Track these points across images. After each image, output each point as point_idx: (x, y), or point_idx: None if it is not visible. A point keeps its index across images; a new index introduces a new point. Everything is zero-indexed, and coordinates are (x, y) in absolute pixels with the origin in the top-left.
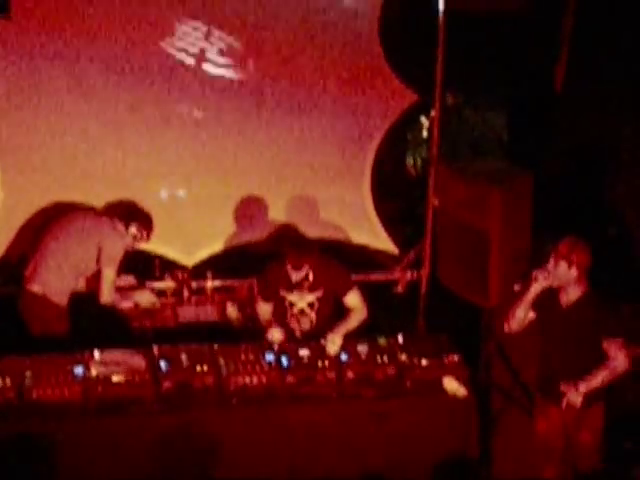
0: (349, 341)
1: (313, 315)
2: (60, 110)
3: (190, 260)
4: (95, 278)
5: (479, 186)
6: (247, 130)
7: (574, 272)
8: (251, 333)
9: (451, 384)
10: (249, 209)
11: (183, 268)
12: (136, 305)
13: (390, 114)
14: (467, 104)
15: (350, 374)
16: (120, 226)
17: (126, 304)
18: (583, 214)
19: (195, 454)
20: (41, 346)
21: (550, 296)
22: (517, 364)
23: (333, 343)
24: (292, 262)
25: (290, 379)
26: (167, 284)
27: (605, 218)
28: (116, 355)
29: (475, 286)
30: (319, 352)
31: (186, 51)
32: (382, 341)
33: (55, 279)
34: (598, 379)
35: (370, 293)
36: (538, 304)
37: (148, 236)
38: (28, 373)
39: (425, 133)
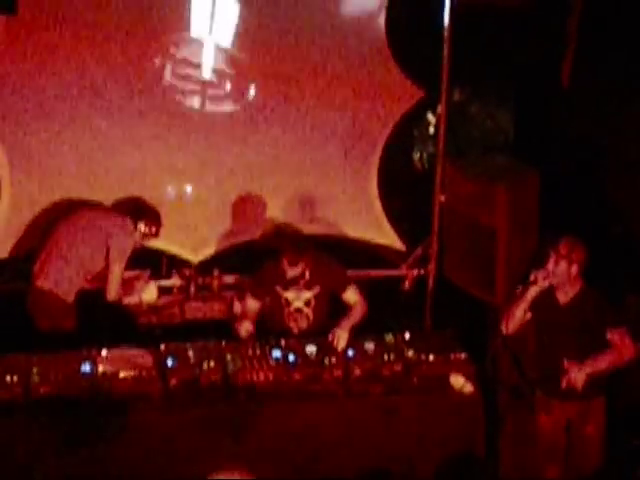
0: (356, 338)
1: (310, 313)
2: (68, 108)
3: (197, 257)
4: (103, 274)
5: (486, 182)
6: (254, 127)
7: (574, 270)
8: (259, 330)
9: (458, 381)
10: (255, 206)
11: (190, 265)
12: (142, 302)
13: (396, 110)
14: (474, 100)
15: (357, 371)
16: (129, 223)
17: (132, 300)
18: (588, 211)
19: (201, 451)
20: (48, 342)
21: (546, 295)
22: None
23: (341, 338)
24: (288, 258)
25: (297, 376)
26: (174, 281)
27: (610, 216)
28: (123, 352)
29: (482, 283)
30: (326, 349)
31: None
32: (389, 338)
33: (63, 275)
34: (603, 363)
35: (377, 290)
36: (535, 304)
37: (157, 233)
38: (35, 370)
39: (432, 129)
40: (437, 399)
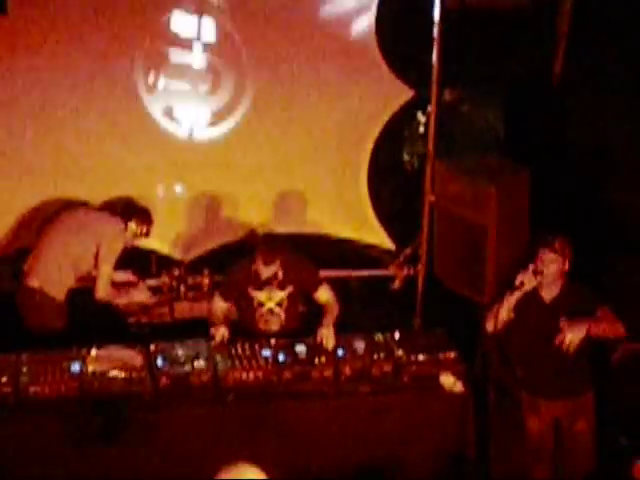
0: (346, 337)
1: (282, 315)
2: (56, 107)
3: (186, 256)
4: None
5: (476, 182)
6: (243, 126)
7: (566, 267)
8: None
9: (448, 380)
10: (244, 205)
11: (179, 264)
12: (132, 301)
13: (387, 110)
14: (464, 100)
15: (347, 370)
16: (119, 222)
17: (122, 300)
18: (578, 211)
19: (191, 450)
20: (37, 342)
21: (531, 294)
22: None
23: (328, 338)
24: (263, 258)
25: (287, 375)
26: (163, 280)
27: (601, 215)
28: (113, 351)
29: (472, 282)
30: (316, 348)
31: (182, 43)
32: (379, 337)
33: (53, 274)
34: (597, 328)
35: (367, 289)
36: (520, 304)
37: (147, 232)
38: (24, 369)
39: (422, 129)
40: (427, 398)
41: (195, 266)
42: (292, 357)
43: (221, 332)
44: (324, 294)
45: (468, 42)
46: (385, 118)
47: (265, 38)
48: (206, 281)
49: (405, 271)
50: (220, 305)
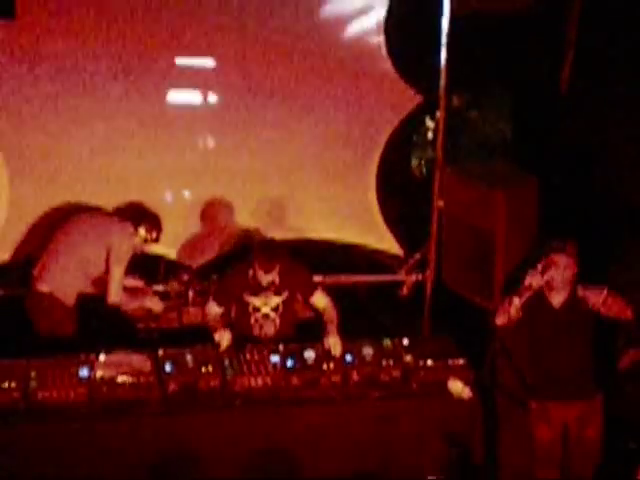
0: (354, 343)
1: (277, 320)
2: (66, 113)
3: (195, 262)
4: (102, 279)
5: (484, 188)
6: (251, 132)
7: (576, 270)
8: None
9: (456, 386)
10: (255, 211)
11: (188, 270)
12: (143, 306)
13: (395, 116)
14: (472, 106)
15: (355, 376)
16: (129, 227)
17: (132, 306)
18: (586, 216)
19: (200, 456)
20: (46, 347)
21: (539, 300)
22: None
23: (336, 345)
24: (263, 266)
25: (295, 381)
26: (172, 286)
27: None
28: (121, 357)
29: (480, 288)
30: (324, 354)
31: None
32: (387, 343)
33: (63, 279)
34: (614, 299)
35: (375, 295)
36: (528, 309)
37: (157, 237)
38: (33, 375)
39: (430, 135)
40: (435, 404)
41: (204, 272)
42: (300, 363)
43: (226, 337)
44: (320, 299)
45: (476, 48)
46: (394, 124)
47: (272, 43)
48: (214, 287)
49: (413, 277)
50: (215, 310)
